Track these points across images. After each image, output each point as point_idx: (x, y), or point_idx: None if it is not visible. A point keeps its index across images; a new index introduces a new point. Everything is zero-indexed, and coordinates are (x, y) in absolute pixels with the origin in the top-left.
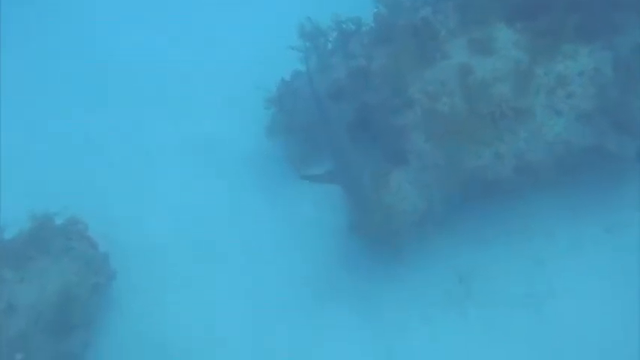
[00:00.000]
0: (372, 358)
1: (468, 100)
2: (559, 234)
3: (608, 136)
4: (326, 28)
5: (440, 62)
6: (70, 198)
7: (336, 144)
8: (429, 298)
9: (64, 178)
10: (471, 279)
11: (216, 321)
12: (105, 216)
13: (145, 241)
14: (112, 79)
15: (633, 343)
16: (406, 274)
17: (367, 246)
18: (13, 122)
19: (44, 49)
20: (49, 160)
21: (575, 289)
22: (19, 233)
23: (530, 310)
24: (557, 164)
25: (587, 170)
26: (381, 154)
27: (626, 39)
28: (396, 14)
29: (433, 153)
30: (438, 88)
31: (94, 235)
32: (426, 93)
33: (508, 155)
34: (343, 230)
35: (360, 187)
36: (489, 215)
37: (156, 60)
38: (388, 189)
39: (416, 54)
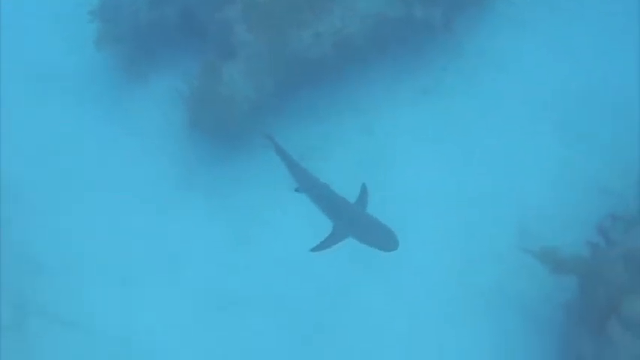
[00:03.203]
0: (230, 240)
1: None
2: (383, 102)
3: (415, 6)
4: None
5: None
6: None
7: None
8: (275, 180)
9: None
10: (309, 156)
11: (77, 231)
12: None
13: None
14: None
15: (459, 192)
16: (249, 160)
17: (211, 138)
18: None
19: None
20: None
21: (404, 152)
22: None
23: (368, 170)
24: (372, 37)
25: (400, 40)
26: (211, 49)
27: None
28: None
29: (257, 42)
30: None
31: None
32: None
33: (326, 33)
34: (186, 126)
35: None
36: (319, 94)
37: None
38: (221, 82)
39: None
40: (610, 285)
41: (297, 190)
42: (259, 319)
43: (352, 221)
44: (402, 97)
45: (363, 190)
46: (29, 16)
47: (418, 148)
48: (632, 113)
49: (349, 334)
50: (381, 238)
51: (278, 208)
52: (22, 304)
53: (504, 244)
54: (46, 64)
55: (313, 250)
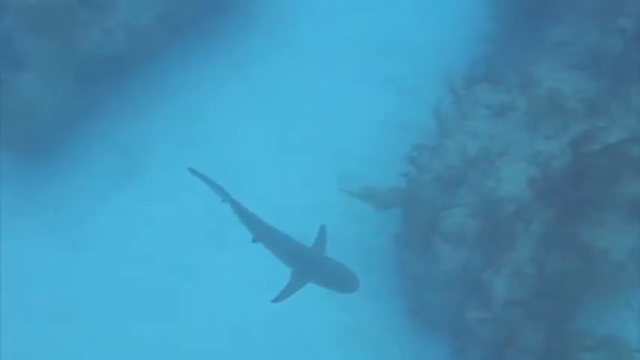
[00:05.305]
0: (59, 248)
1: None
2: (199, 86)
3: None
4: None
5: None
6: None
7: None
8: (101, 178)
9: None
10: (133, 148)
11: None
12: None
13: None
14: None
15: (283, 150)
16: (71, 168)
17: (23, 155)
18: None
19: None
20: None
21: (227, 132)
22: None
23: (194, 153)
24: (165, 24)
25: (195, 22)
26: None
27: None
28: None
29: (44, 47)
30: None
31: None
32: None
33: (116, 29)
34: None
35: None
36: (126, 88)
37: None
38: (15, 95)
39: None
40: (427, 206)
41: (253, 240)
42: (117, 311)
43: (311, 267)
44: (215, 77)
45: (322, 232)
46: None
47: (241, 119)
48: (424, 56)
49: (208, 305)
50: (342, 281)
51: (108, 211)
52: None
53: (330, 190)
54: None
55: (275, 300)
